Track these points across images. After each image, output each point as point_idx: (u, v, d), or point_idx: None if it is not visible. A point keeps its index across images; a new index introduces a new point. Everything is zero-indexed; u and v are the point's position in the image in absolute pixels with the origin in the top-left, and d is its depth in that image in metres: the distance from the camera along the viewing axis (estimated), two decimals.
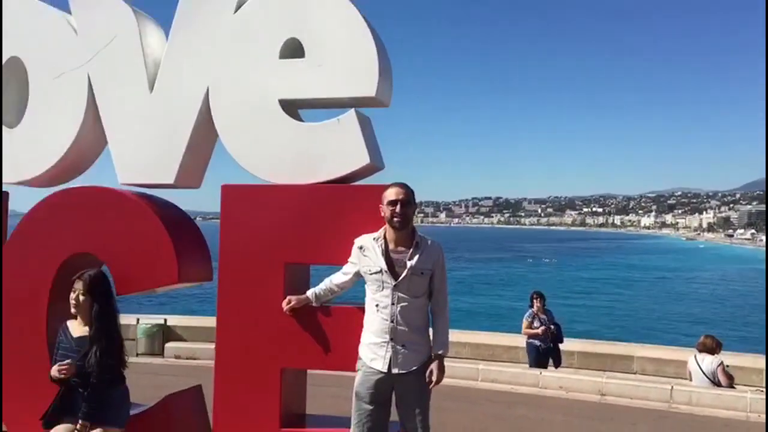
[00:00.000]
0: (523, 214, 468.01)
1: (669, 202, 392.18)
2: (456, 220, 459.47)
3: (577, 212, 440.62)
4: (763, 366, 10.05)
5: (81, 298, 4.09)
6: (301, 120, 4.54)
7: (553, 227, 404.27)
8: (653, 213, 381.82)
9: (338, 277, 4.15)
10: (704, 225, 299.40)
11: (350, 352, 4.02)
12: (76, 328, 4.16)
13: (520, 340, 11.46)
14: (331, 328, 4.23)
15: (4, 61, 4.87)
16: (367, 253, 3.94)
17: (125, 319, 13.15)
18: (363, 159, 4.24)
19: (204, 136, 4.60)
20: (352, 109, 4.27)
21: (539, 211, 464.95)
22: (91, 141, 4.80)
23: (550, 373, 10.12)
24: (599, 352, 11.91)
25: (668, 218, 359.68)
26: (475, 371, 10.17)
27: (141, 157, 4.61)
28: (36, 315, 4.56)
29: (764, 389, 9.29)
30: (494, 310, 39.08)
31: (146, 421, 4.55)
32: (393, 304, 3.83)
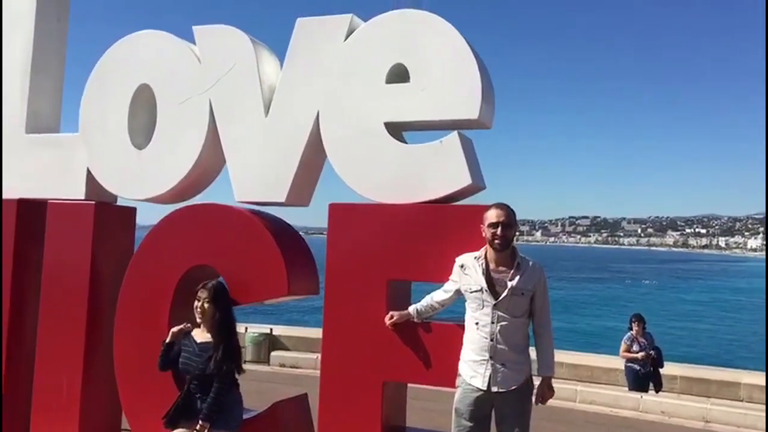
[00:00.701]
0: (621, 234, 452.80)
1: None
2: (552, 239, 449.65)
3: (678, 233, 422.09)
4: None
5: (206, 305, 4.38)
6: (405, 142, 4.74)
7: (654, 248, 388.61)
8: (761, 235, 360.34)
9: (439, 295, 4.29)
10: None
11: (450, 368, 4.14)
12: (199, 334, 4.47)
13: (618, 362, 11.18)
14: (431, 344, 4.36)
15: (134, 88, 5.32)
16: (468, 271, 4.06)
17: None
18: (465, 179, 4.37)
19: (314, 158, 4.87)
20: (455, 132, 4.42)
21: (639, 231, 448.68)
22: (211, 161, 5.17)
23: (651, 398, 9.84)
24: (703, 377, 11.41)
25: None
26: (573, 392, 10.02)
27: (256, 177, 4.93)
28: (158, 322, 4.93)
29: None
30: (591, 330, 37.98)
31: (256, 426, 4.82)
32: (493, 322, 3.93)
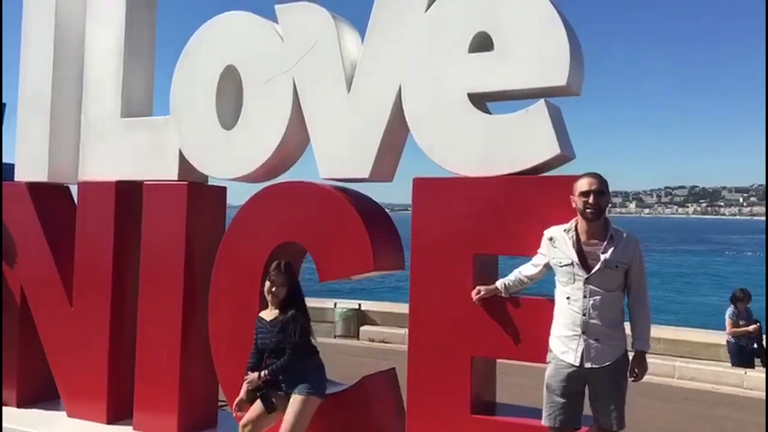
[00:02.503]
0: (722, 203, 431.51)
1: None
2: (647, 210, 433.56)
3: None
4: None
5: (281, 288, 4.58)
6: (489, 113, 4.62)
7: (757, 218, 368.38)
8: None
9: (528, 269, 4.18)
10: None
11: (540, 344, 4.03)
12: (268, 313, 4.67)
13: (719, 337, 10.72)
14: (520, 319, 4.27)
15: (221, 70, 5.43)
16: (558, 244, 3.92)
17: (324, 302, 14.19)
18: (553, 149, 4.22)
19: (397, 132, 4.82)
20: (542, 100, 4.26)
21: (741, 200, 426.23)
22: (296, 139, 5.21)
23: (756, 373, 9.35)
24: None
25: None
26: (671, 368, 9.67)
27: (339, 153, 4.94)
28: (250, 298, 5.05)
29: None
30: (689, 304, 36.48)
31: (345, 399, 4.89)
32: (585, 297, 3.79)
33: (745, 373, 9.28)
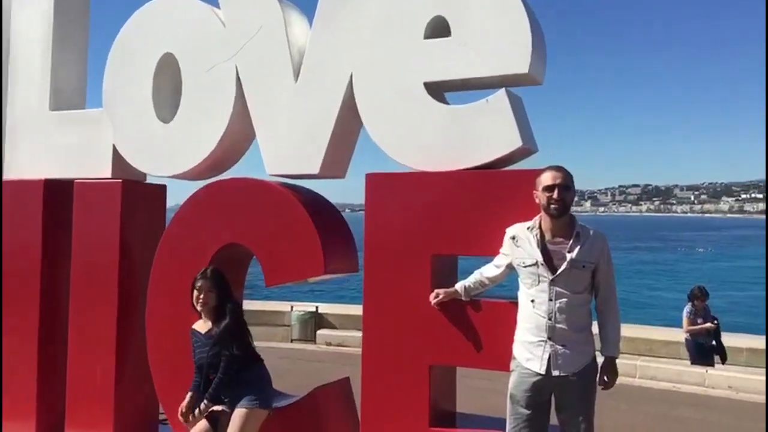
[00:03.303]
0: (674, 201, 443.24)
1: None
2: (602, 208, 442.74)
3: (734, 199, 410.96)
4: None
5: (209, 295, 4.24)
6: (447, 103, 4.32)
7: (708, 215, 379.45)
8: None
9: (489, 270, 3.88)
10: None
11: (503, 350, 3.74)
12: (202, 325, 4.34)
13: (678, 335, 10.67)
14: (482, 324, 3.97)
15: (158, 58, 5.01)
16: (521, 243, 3.64)
17: (280, 305, 13.78)
18: (515, 142, 3.93)
19: (348, 124, 4.48)
20: (503, 89, 3.98)
21: (692, 198, 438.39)
22: (240, 133, 4.83)
23: (717, 372, 9.28)
24: None
25: None
26: (632, 367, 9.54)
27: (287, 147, 4.58)
28: (190, 306, 4.64)
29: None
30: (644, 301, 37.01)
31: (295, 412, 4.55)
32: (551, 299, 3.51)
33: (706, 371, 9.20)
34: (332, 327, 13.13)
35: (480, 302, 3.99)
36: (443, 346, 4.06)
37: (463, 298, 3.97)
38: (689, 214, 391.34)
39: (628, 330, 11.46)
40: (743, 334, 11.78)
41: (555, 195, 3.52)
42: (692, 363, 9.89)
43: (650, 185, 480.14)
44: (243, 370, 4.23)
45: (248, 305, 13.31)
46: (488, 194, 4.01)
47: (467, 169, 4.07)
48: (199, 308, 4.31)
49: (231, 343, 4.20)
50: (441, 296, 4.00)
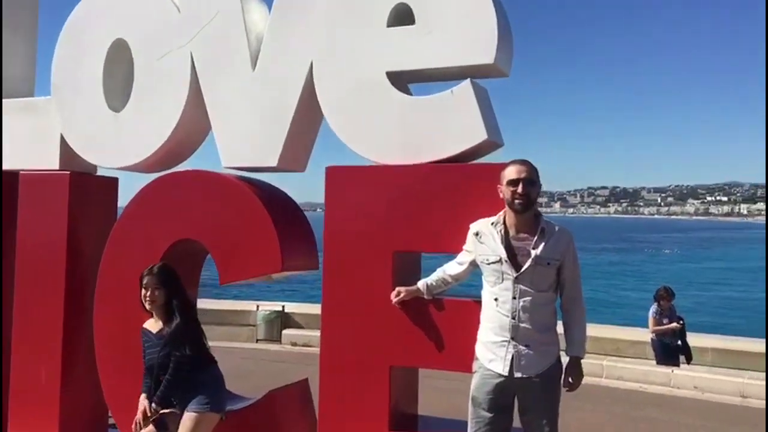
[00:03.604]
0: (641, 203, 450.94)
1: None
2: (571, 210, 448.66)
3: (699, 201, 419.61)
4: None
5: (156, 292, 4.01)
6: (410, 94, 4.17)
7: (674, 217, 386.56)
8: None
9: (452, 267, 3.73)
10: None
11: (466, 351, 3.59)
12: (153, 324, 4.11)
13: (644, 335, 10.67)
14: (444, 324, 3.81)
15: (109, 44, 4.77)
16: (484, 239, 3.49)
17: (245, 304, 13.52)
18: (480, 135, 3.79)
19: (308, 115, 4.30)
20: (467, 80, 3.83)
21: (659, 200, 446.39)
22: (195, 123, 4.62)
23: (683, 372, 9.28)
24: (736, 349, 10.81)
25: None
26: (599, 367, 9.48)
27: (243, 139, 4.38)
28: (138, 303, 4.42)
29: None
30: (612, 300, 37.37)
31: (250, 416, 4.35)
32: (515, 298, 3.37)
33: (672, 371, 9.19)
34: (298, 327, 12.90)
35: (443, 301, 3.83)
36: (404, 346, 3.90)
37: (425, 297, 3.81)
38: (656, 216, 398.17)
39: (594, 330, 11.47)
40: (708, 335, 11.86)
41: (519, 189, 3.38)
42: (658, 363, 9.89)
43: (618, 187, 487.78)
44: (194, 372, 4.01)
45: (212, 304, 13.21)
46: (452, 189, 3.87)
47: (431, 162, 3.92)
48: (147, 307, 4.08)
49: (182, 343, 3.99)
50: (402, 295, 3.84)
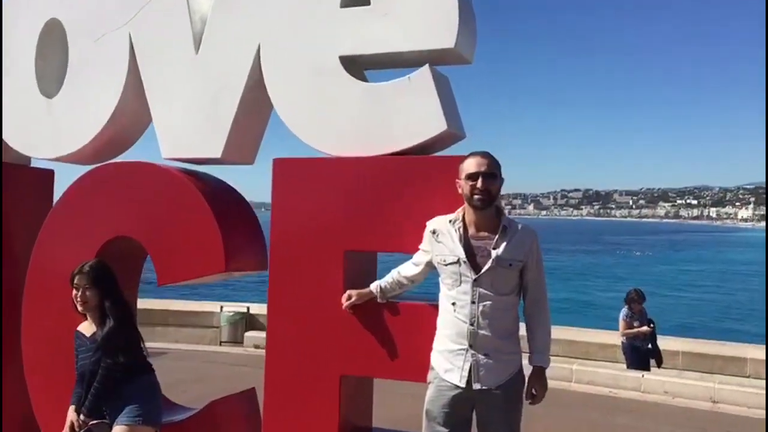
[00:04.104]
0: (613, 206, 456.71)
1: None
2: (544, 212, 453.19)
3: (670, 204, 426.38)
4: None
5: (87, 293, 3.66)
6: (366, 80, 3.86)
7: (645, 219, 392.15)
8: (751, 205, 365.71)
9: (407, 269, 3.43)
10: None
11: (422, 359, 3.30)
12: (87, 327, 3.76)
13: (615, 338, 10.51)
14: (399, 330, 3.51)
15: (42, 25, 4.40)
16: (442, 238, 3.20)
17: (209, 305, 13.08)
18: (439, 125, 3.49)
19: (256, 103, 3.97)
20: (426, 65, 3.53)
21: (630, 203, 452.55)
22: (134, 110, 4.26)
23: (653, 376, 9.09)
24: (706, 352, 10.68)
25: None
26: (568, 372, 9.27)
27: (185, 128, 4.03)
28: (71, 308, 4.05)
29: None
30: (584, 301, 37.50)
31: (189, 428, 4.00)
32: (473, 302, 3.08)
33: (642, 376, 9.01)
34: (263, 329, 12.52)
35: (397, 305, 3.53)
36: (356, 354, 3.59)
37: (378, 300, 3.51)
38: (628, 219, 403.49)
39: (565, 333, 11.30)
40: (679, 338, 11.73)
41: (479, 184, 3.09)
42: (628, 367, 9.72)
43: (591, 190, 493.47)
44: (126, 381, 3.66)
45: (175, 305, 12.77)
46: (410, 183, 3.57)
47: (387, 154, 3.62)
48: (79, 309, 3.73)
49: (114, 349, 3.64)
50: (354, 298, 3.53)
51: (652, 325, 9.84)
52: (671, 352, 10.31)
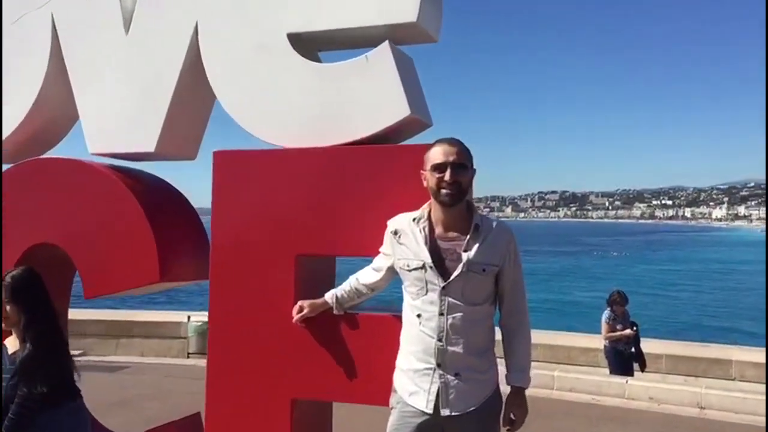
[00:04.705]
0: (590, 207, 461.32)
1: (742, 193, 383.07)
2: (522, 214, 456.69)
3: (645, 205, 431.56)
4: None
5: (7, 308, 3.15)
6: (319, 61, 3.41)
7: (621, 220, 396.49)
8: (725, 205, 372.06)
9: (366, 275, 2.97)
10: None
11: (384, 380, 2.84)
12: (12, 343, 3.24)
13: (597, 341, 10.16)
14: (358, 346, 3.05)
15: None
16: (404, 240, 2.74)
17: (176, 315, 12.48)
18: (401, 110, 3.05)
19: (194, 89, 3.51)
20: (385, 42, 3.09)
21: (607, 204, 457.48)
22: (59, 100, 3.77)
23: (637, 382, 8.72)
24: (690, 355, 10.35)
25: (741, 210, 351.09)
26: (549, 379, 8.86)
27: (114, 119, 3.55)
28: None
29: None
30: (563, 303, 37.37)
31: None
32: (442, 314, 2.63)
33: (626, 382, 8.63)
34: None
35: (356, 317, 3.07)
36: (309, 374, 3.12)
37: (334, 312, 3.04)
38: (604, 220, 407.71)
39: (546, 337, 10.93)
40: (662, 340, 11.44)
41: (447, 176, 2.64)
42: (611, 372, 9.36)
43: (567, 192, 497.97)
44: (45, 410, 3.15)
45: (139, 316, 12.17)
46: (369, 177, 3.12)
47: (342, 144, 3.17)
48: (3, 325, 3.21)
49: (32, 377, 3.11)
50: (306, 310, 3.06)
51: (635, 328, 9.51)
52: (654, 356, 9.99)
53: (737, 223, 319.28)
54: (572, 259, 78.93)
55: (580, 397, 8.53)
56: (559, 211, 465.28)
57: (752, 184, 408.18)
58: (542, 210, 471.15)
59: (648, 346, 9.90)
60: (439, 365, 2.62)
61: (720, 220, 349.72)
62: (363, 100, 3.12)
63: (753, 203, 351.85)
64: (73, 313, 12.05)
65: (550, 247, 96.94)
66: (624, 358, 9.49)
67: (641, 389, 8.45)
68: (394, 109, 3.06)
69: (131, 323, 11.89)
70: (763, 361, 9.82)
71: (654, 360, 9.96)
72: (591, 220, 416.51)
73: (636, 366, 9.56)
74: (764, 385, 9.05)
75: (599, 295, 10.32)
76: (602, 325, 9.69)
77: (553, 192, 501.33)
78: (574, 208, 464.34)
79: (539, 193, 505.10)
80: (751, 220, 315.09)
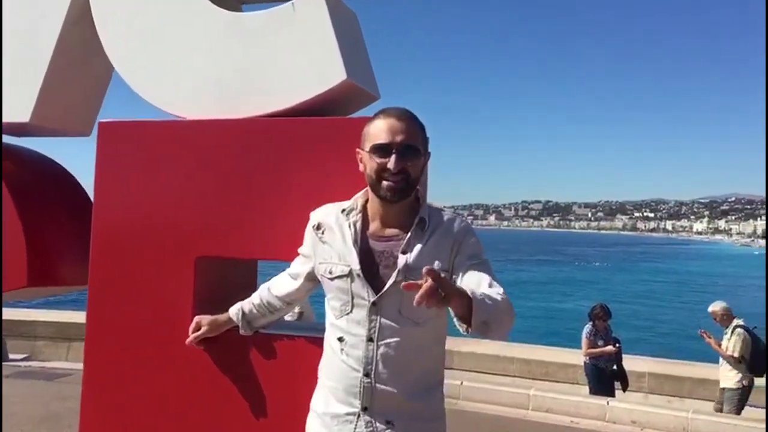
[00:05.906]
0: (572, 217, 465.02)
1: (722, 207, 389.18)
2: (506, 223, 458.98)
3: (628, 217, 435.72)
4: None
5: None
6: (240, 11, 2.72)
7: (604, 231, 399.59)
8: (706, 219, 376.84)
9: (280, 284, 2.25)
10: (759, 232, 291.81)
11: (300, 422, 2.14)
12: None
13: (576, 357, 9.54)
14: (269, 377, 2.35)
15: None
16: (328, 237, 2.04)
17: None
18: (335, 73, 2.37)
19: (84, 47, 2.80)
20: None
21: (589, 215, 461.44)
22: None
23: (619, 404, 8.06)
24: (674, 374, 9.76)
25: (721, 224, 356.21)
26: (524, 398, 8.18)
27: None
28: None
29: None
30: (544, 310, 36.97)
31: None
32: (371, 339, 1.92)
33: (607, 403, 7.97)
34: None
35: (269, 339, 2.36)
36: (208, 412, 2.40)
37: (241, 332, 2.33)
38: (587, 230, 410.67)
39: (520, 351, 10.29)
40: (645, 357, 10.86)
41: (391, 164, 1.91)
42: (591, 391, 8.72)
43: (551, 202, 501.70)
44: None
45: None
46: (293, 157, 2.42)
47: (260, 116, 2.47)
48: None
49: None
50: (204, 329, 2.35)
51: (618, 345, 8.88)
52: (637, 374, 9.44)
53: (717, 236, 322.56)
54: (556, 267, 78.97)
55: (557, 418, 7.86)
56: (542, 220, 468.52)
57: (733, 199, 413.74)
58: (526, 219, 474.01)
59: (631, 363, 9.34)
60: (365, 409, 1.92)
61: (701, 233, 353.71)
62: (287, 59, 2.43)
63: (733, 217, 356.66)
64: (23, 314, 11.20)
65: (532, 257, 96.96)
66: (605, 377, 8.90)
67: (623, 412, 7.79)
68: (327, 72, 2.38)
69: (77, 326, 11.06)
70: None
71: (637, 378, 9.41)
72: (574, 230, 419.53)
73: (618, 385, 8.97)
74: (753, 409, 8.49)
75: (582, 304, 9.70)
76: (582, 341, 9.08)
77: (537, 201, 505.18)
78: (557, 218, 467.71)
79: (523, 202, 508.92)
80: (731, 234, 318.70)
